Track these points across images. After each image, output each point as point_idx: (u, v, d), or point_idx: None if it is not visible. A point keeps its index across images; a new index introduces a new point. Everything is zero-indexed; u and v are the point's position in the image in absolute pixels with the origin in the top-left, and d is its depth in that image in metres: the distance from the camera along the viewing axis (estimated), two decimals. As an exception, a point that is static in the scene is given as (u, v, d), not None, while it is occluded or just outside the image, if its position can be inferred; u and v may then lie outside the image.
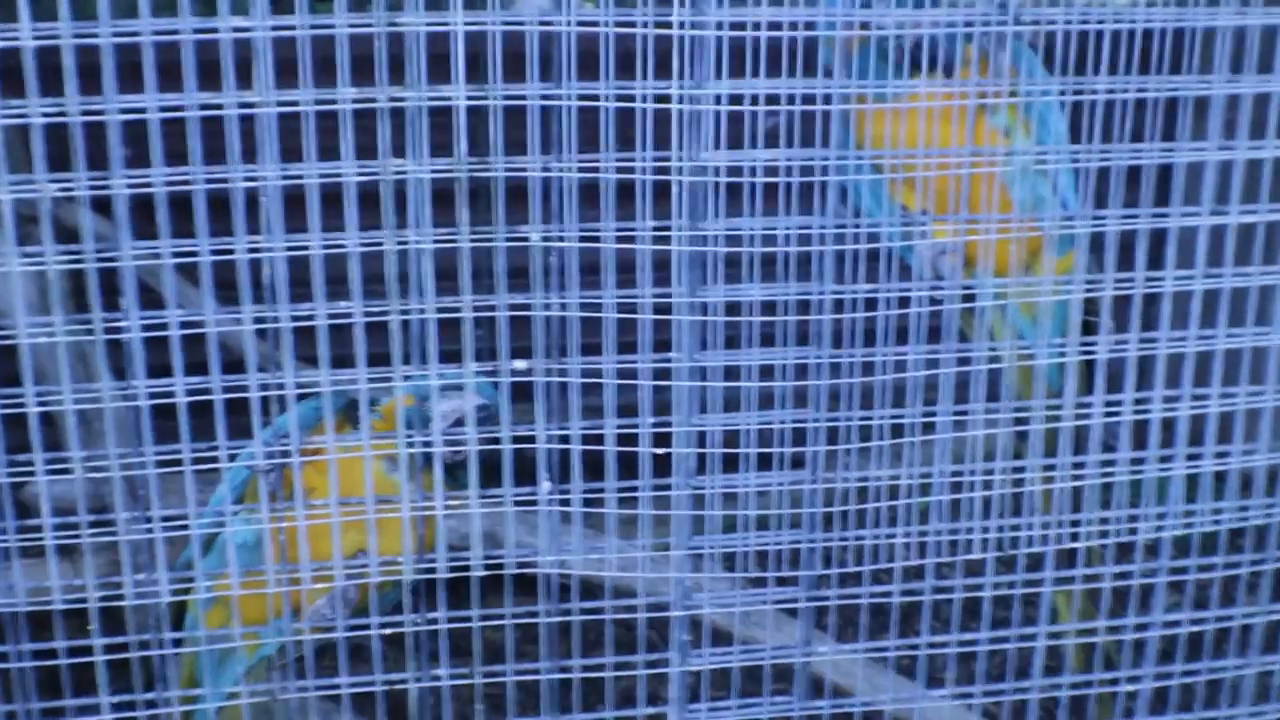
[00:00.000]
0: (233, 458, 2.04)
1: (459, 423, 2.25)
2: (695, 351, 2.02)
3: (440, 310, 1.93)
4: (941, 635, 2.25)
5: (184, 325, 1.91)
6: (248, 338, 1.91)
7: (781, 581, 2.19)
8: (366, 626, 2.11)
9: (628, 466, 2.05)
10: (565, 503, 2.07)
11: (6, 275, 1.92)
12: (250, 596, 2.16)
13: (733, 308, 2.04)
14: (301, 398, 2.00)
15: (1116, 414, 2.14)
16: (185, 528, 2.05)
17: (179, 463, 1.98)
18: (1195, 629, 2.28)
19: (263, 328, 1.92)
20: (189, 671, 2.41)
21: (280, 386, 1.95)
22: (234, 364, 1.95)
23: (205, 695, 2.38)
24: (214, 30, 1.79)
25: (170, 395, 1.93)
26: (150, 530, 2.02)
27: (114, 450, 1.98)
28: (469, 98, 1.85)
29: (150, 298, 1.92)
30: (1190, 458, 2.18)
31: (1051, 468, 2.17)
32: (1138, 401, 2.13)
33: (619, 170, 1.94)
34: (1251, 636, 2.32)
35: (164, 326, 1.90)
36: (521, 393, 2.03)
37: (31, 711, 2.06)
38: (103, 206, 1.87)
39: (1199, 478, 2.21)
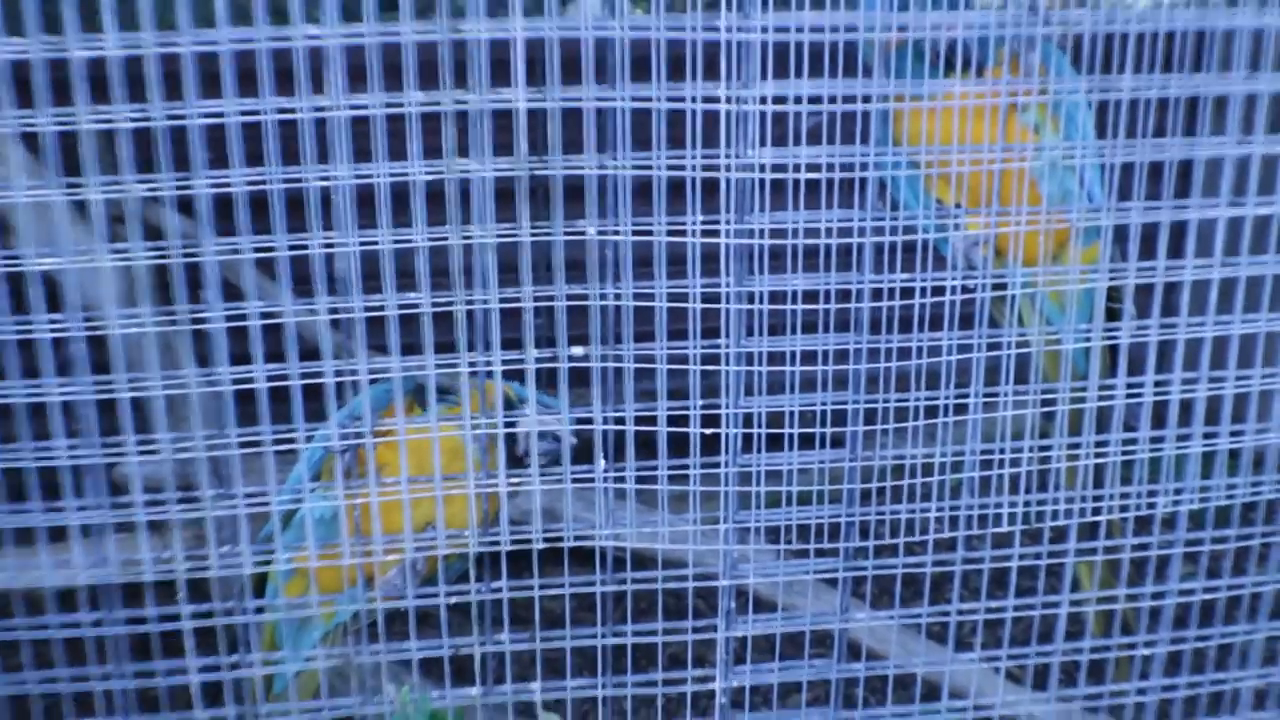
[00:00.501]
0: (309, 439, 2.02)
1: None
2: (742, 338, 1.99)
3: (502, 301, 1.91)
4: (971, 603, 2.21)
5: (263, 316, 1.89)
6: (322, 327, 1.89)
7: (821, 553, 2.16)
8: (435, 595, 2.08)
9: (678, 446, 2.02)
10: (620, 480, 2.05)
11: (98, 271, 1.90)
12: (327, 567, 2.14)
13: (777, 296, 2.01)
14: (372, 383, 1.97)
15: (1138, 395, 2.09)
16: (266, 504, 2.04)
17: (260, 444, 1.96)
18: (1208, 597, 2.23)
19: (336, 318, 1.89)
20: (269, 637, 2.39)
21: (353, 373, 1.93)
22: (309, 352, 1.94)
23: (284, 659, 2.36)
24: (288, 39, 1.77)
25: (251, 381, 1.92)
26: (234, 506, 2.00)
27: (199, 433, 1.96)
28: (528, 100, 1.83)
29: (230, 291, 1.91)
30: (1207, 436, 2.13)
31: (1076, 446, 2.13)
32: (1158, 383, 2.08)
33: (670, 168, 1.90)
34: (1261, 604, 2.27)
35: (244, 317, 1.89)
36: (579, 378, 1.99)
37: (125, 674, 2.03)
38: (185, 206, 1.84)
39: (1215, 455, 2.15)
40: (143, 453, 1.96)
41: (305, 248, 1.85)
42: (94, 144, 1.79)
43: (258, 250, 1.86)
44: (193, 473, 2.01)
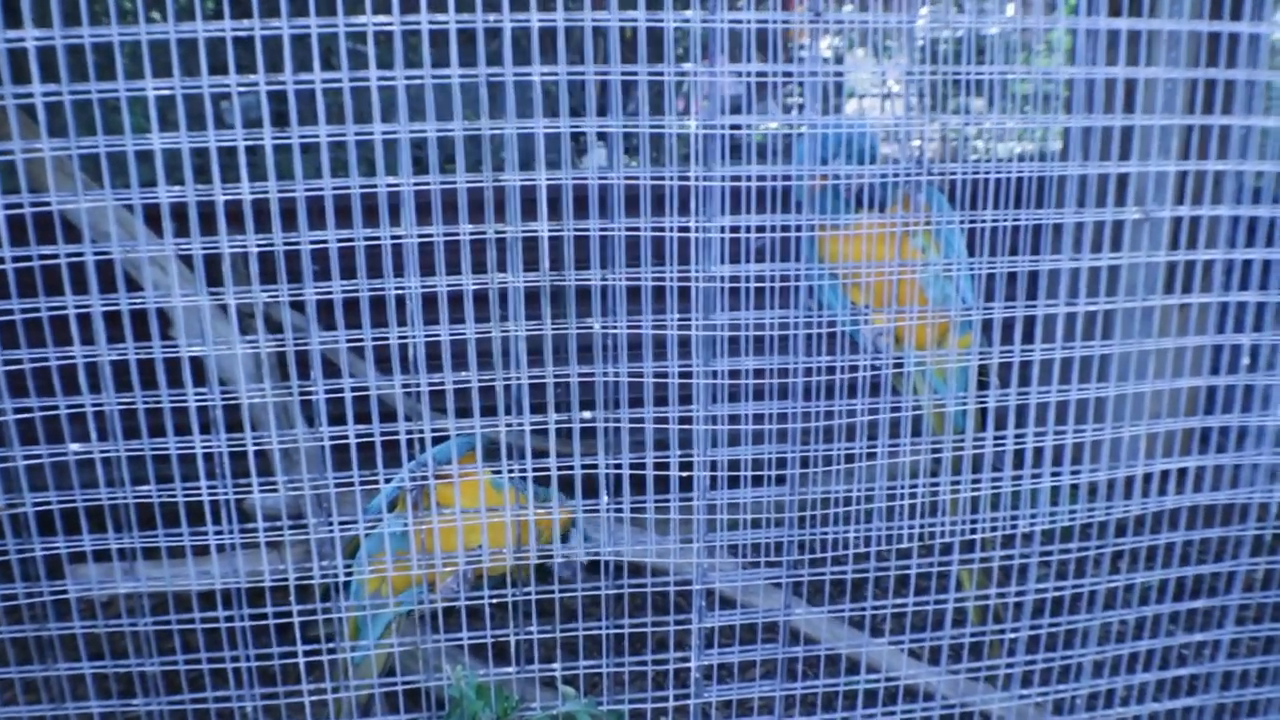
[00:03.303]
0: (388, 480, 1.97)
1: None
2: (709, 404, 1.93)
3: (531, 377, 1.87)
4: (881, 601, 2.14)
5: (354, 389, 1.85)
6: (398, 397, 1.85)
7: (769, 564, 2.08)
8: (481, 597, 2.01)
9: (661, 485, 1.96)
10: (618, 510, 1.98)
11: (232, 355, 1.87)
12: (397, 572, 2.09)
13: (734, 374, 1.95)
14: (436, 439, 1.93)
15: (1002, 444, 2.04)
16: (355, 530, 1.98)
17: (351, 484, 1.90)
18: (1057, 594, 2.17)
19: (408, 390, 1.85)
20: (353, 626, 2.32)
21: (420, 431, 1.89)
22: (388, 414, 1.89)
23: (364, 644, 2.29)
24: (374, 186, 1.75)
25: (345, 437, 1.87)
26: (331, 529, 1.95)
27: (306, 476, 1.91)
28: (550, 230, 1.80)
29: (330, 369, 1.87)
30: (1053, 474, 2.08)
31: (957, 482, 2.06)
32: (1016, 435, 2.03)
33: (654, 279, 1.86)
34: (1096, 599, 2.19)
35: (340, 390, 1.85)
36: (587, 433, 1.93)
37: (249, 656, 1.97)
38: (298, 306, 1.82)
39: (1060, 488, 2.10)
40: (264, 488, 1.93)
41: (385, 338, 1.82)
42: (231, 263, 1.77)
43: (350, 340, 1.82)
44: (300, 504, 1.97)
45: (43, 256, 1.74)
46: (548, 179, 1.76)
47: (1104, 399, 2.03)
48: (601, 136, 1.88)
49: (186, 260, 1.86)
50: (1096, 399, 2.03)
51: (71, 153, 1.69)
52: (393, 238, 1.77)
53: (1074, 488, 2.12)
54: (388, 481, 1.98)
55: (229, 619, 1.96)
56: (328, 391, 1.84)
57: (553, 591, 2.00)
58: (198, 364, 1.86)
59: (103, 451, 1.85)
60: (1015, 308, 1.96)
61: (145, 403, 1.84)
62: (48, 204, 1.75)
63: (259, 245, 1.74)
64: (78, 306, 1.78)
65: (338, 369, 1.95)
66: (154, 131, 1.67)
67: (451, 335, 1.83)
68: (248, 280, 1.77)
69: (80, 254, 1.76)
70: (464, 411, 1.89)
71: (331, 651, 2.03)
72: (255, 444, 1.86)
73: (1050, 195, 1.95)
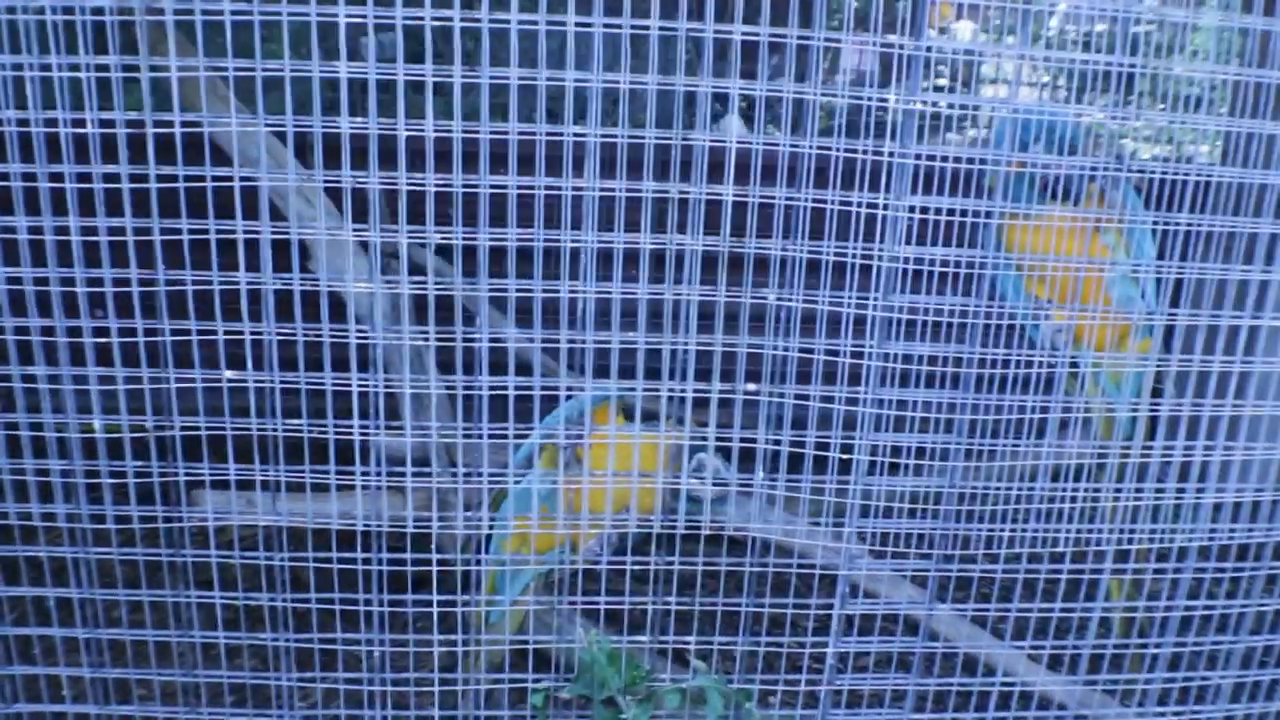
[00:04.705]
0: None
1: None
2: (878, 387, 1.87)
3: (699, 344, 1.83)
4: (1027, 604, 2.07)
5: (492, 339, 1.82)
6: (562, 353, 1.81)
7: (919, 555, 2.00)
8: (622, 562, 1.98)
9: (818, 466, 1.91)
10: (773, 487, 1.94)
11: (372, 294, 1.85)
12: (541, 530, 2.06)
13: (907, 358, 1.88)
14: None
15: (1169, 455, 1.97)
16: (497, 482, 1.95)
17: (504, 436, 1.87)
18: (1206, 612, 2.09)
19: (572, 347, 1.81)
20: (491, 582, 2.30)
21: (581, 388, 1.85)
22: (525, 368, 1.87)
23: (501, 601, 2.27)
24: (559, 134, 1.72)
25: (503, 388, 1.84)
26: (479, 481, 1.91)
27: (460, 424, 1.88)
28: (735, 195, 1.75)
29: (467, 318, 1.84)
30: (1217, 490, 2.00)
31: (1119, 491, 1.99)
32: (1185, 448, 1.96)
33: (835, 254, 1.81)
34: (1244, 621, 2.12)
35: (474, 338, 1.81)
36: (748, 406, 1.88)
37: (384, 602, 1.96)
38: (442, 251, 1.80)
39: (1222, 505, 2.02)
40: (417, 432, 1.91)
41: (555, 291, 1.78)
42: (380, 199, 1.75)
43: (493, 289, 1.79)
44: (425, 450, 1.94)
45: (215, 178, 1.72)
46: (738, 143, 1.71)
47: (1259, 418, 1.96)
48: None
49: (332, 194, 1.84)
50: (1270, 418, 1.95)
51: (228, 75, 1.67)
52: (574, 189, 1.74)
53: (1236, 506, 2.04)
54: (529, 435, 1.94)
55: (365, 561, 1.92)
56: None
57: (694, 562, 1.95)
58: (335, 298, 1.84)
59: (257, 380, 1.83)
60: (1199, 318, 1.89)
61: (306, 336, 1.81)
62: (198, 125, 1.72)
63: (409, 185, 1.71)
64: (247, 232, 1.75)
65: (473, 318, 1.91)
66: (313, 58, 1.64)
67: (623, 294, 1.79)
68: (394, 219, 1.74)
69: (255, 179, 1.74)
70: (626, 372, 1.86)
71: (466, 605, 2.00)
72: (410, 387, 1.85)
73: (1247, 202, 1.87)
